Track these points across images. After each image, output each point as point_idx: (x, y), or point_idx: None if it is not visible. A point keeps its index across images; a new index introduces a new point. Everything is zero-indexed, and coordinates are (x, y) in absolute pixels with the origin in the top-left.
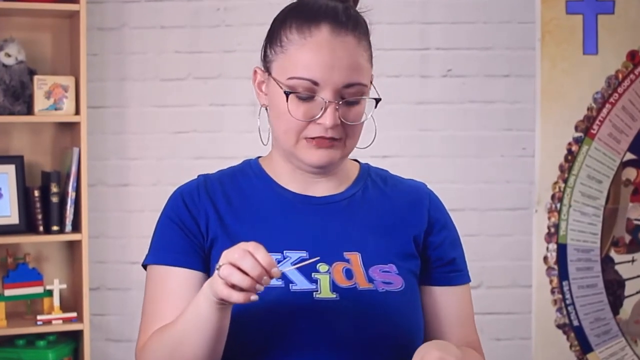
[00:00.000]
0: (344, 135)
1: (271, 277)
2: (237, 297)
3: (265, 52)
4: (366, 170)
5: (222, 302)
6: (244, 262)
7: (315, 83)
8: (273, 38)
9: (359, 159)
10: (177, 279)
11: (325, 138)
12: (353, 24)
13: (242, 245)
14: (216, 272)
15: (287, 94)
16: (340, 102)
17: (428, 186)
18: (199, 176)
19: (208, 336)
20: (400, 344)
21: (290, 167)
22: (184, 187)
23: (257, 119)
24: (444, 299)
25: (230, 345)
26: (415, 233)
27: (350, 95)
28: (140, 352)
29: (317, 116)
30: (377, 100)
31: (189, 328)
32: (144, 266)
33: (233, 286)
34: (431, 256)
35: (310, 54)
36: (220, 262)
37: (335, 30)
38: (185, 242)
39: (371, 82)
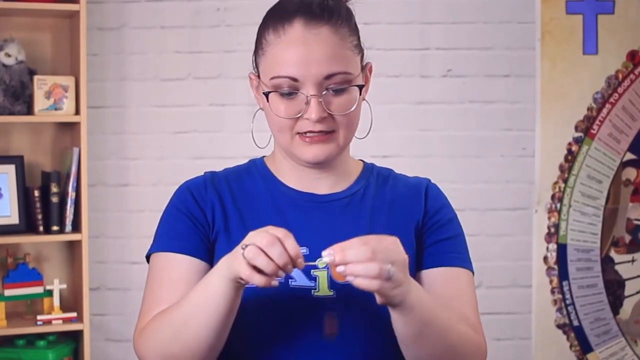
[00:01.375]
0: (336, 127)
1: (295, 267)
2: (258, 280)
3: (254, 57)
4: (369, 169)
5: (239, 282)
6: (273, 249)
7: (295, 79)
8: (257, 43)
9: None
10: (182, 265)
11: (314, 132)
12: (328, 14)
13: (272, 229)
14: (240, 250)
15: (266, 95)
16: (324, 93)
17: (432, 181)
18: (205, 172)
19: (217, 316)
20: (395, 339)
21: (292, 164)
22: (190, 182)
23: (251, 123)
24: (434, 281)
25: (229, 337)
26: (415, 224)
27: (335, 85)
28: (140, 334)
29: (303, 111)
30: (361, 87)
31: (197, 308)
32: (147, 258)
33: (255, 267)
34: (423, 237)
35: (285, 51)
36: (246, 241)
37: (308, 24)
38: (192, 231)
39: (365, 68)
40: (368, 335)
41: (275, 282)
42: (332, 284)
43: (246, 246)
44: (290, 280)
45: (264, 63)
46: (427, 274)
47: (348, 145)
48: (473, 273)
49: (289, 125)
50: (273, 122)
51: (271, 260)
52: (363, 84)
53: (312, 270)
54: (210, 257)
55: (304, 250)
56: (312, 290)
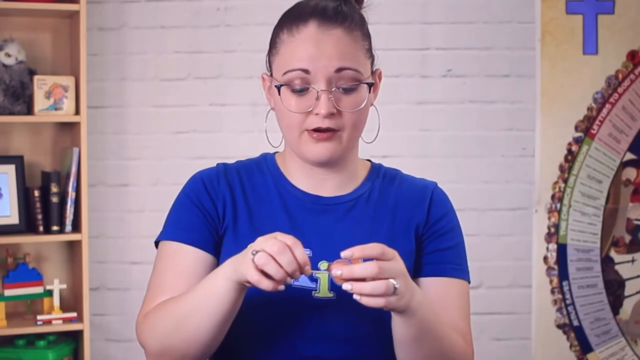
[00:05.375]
0: (343, 125)
1: (302, 274)
2: (266, 285)
3: (267, 58)
4: (376, 170)
5: (244, 284)
6: (283, 257)
7: (307, 71)
8: (271, 44)
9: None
10: (190, 256)
11: (322, 129)
12: (342, 18)
13: (281, 236)
14: (249, 255)
15: (278, 88)
16: (334, 90)
17: (438, 185)
18: (218, 164)
19: (218, 315)
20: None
21: (301, 164)
22: (204, 172)
23: (264, 122)
24: (426, 290)
25: (230, 334)
26: (415, 228)
27: (345, 82)
28: (143, 320)
29: (313, 107)
30: (370, 85)
31: (199, 305)
32: (156, 244)
33: (264, 273)
34: (423, 244)
35: (298, 47)
36: (256, 247)
37: (322, 25)
38: (201, 223)
39: (374, 74)
40: (367, 337)
41: (281, 287)
42: (333, 286)
43: (256, 252)
44: (292, 280)
45: (277, 62)
46: (423, 282)
47: (352, 146)
48: (469, 282)
49: (299, 121)
50: (283, 119)
51: (281, 267)
52: (372, 82)
53: (314, 272)
54: (217, 251)
55: (308, 252)
56: (313, 292)
